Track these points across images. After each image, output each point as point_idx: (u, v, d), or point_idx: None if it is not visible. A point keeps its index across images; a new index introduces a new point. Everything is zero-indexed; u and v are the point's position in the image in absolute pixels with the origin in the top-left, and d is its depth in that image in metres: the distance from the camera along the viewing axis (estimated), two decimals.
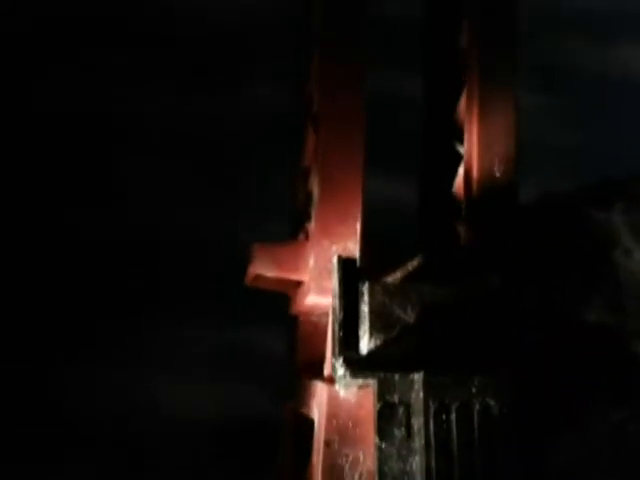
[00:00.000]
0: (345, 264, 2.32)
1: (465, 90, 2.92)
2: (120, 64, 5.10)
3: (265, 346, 3.39)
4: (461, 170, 2.83)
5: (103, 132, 4.89)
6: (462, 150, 2.84)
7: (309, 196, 2.81)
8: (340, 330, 2.21)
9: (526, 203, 5.63)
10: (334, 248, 2.56)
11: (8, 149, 4.58)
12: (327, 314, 2.52)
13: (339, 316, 2.21)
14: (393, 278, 2.61)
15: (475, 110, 2.86)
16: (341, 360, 2.18)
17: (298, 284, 2.71)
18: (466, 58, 3.03)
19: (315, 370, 2.60)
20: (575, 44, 6.04)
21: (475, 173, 2.79)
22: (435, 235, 3.02)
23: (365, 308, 2.21)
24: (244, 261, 4.48)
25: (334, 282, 2.29)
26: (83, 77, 5.06)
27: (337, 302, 2.25)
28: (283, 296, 3.08)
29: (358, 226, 2.61)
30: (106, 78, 5.09)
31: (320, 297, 2.53)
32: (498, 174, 2.78)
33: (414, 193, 3.28)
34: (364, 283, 2.21)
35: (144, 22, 5.23)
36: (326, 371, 2.40)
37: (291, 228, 3.00)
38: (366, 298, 2.20)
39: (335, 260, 2.34)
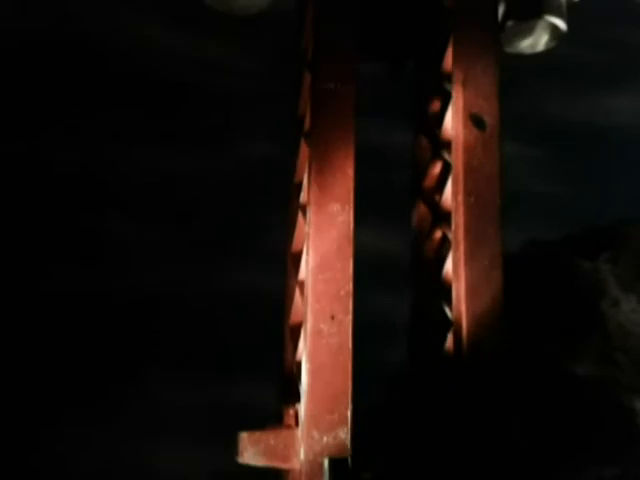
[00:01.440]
0: (336, 468, 2.21)
1: (451, 251, 2.88)
2: (109, 126, 5.14)
3: (263, 404, 3.38)
4: (450, 336, 2.76)
5: (97, 194, 4.90)
6: (450, 315, 2.81)
7: (299, 367, 2.67)
8: None
9: (512, 251, 5.70)
10: (325, 439, 2.36)
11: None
12: None
13: None
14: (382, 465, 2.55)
15: (462, 276, 2.79)
16: None
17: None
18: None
19: None
20: (560, 95, 6.12)
21: (464, 339, 2.72)
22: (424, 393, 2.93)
23: None
24: (238, 321, 4.46)
25: None
26: (73, 138, 5.11)
27: None
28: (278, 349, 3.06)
29: (349, 414, 2.43)
30: (96, 139, 5.13)
31: None
32: (485, 340, 2.72)
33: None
34: None
35: (133, 84, 5.30)
36: None
37: (280, 389, 2.93)
38: None
39: (326, 463, 2.24)
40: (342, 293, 2.49)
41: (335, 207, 2.64)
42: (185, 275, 4.47)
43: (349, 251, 2.64)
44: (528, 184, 5.91)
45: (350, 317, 2.48)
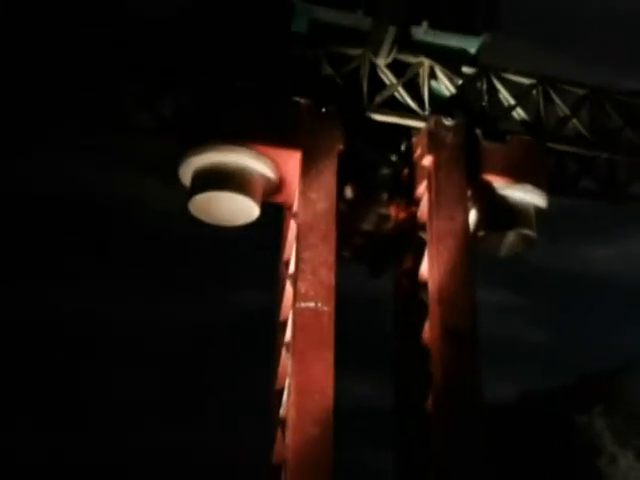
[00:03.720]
0: None
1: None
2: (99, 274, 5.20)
3: None
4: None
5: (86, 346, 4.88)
6: None
7: None
8: None
9: (506, 403, 5.87)
10: None
11: None
12: None
13: None
14: None
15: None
16: None
17: None
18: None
19: None
20: (544, 245, 6.24)
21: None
22: None
23: None
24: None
25: None
26: (62, 285, 5.16)
27: None
28: None
29: None
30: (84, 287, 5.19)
31: None
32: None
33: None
34: None
35: (129, 237, 5.38)
36: None
37: None
38: None
39: None
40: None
41: (315, 431, 2.69)
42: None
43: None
44: (518, 331, 5.98)
45: None
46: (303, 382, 3.01)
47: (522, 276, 6.15)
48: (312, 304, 3.36)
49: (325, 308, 3.40)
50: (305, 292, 3.44)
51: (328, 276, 3.50)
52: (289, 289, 3.66)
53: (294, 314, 3.45)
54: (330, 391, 2.98)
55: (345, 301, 3.44)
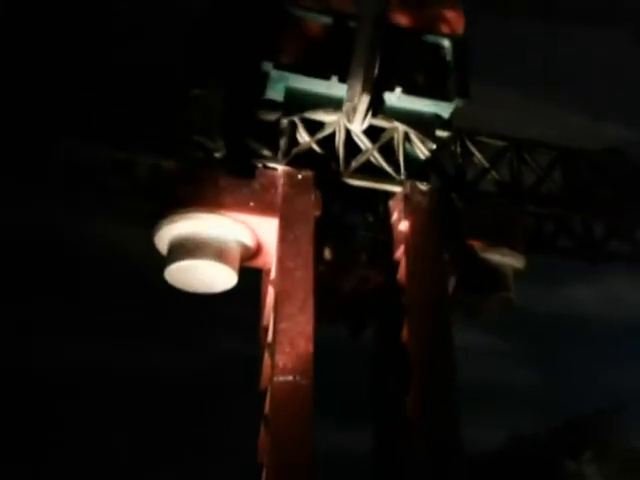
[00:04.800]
0: None
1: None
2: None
3: None
4: None
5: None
6: None
7: None
8: None
9: (494, 450, 5.81)
10: None
11: None
12: None
13: None
14: None
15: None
16: None
17: None
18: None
19: None
20: (530, 288, 6.30)
21: None
22: None
23: None
24: None
25: None
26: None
27: None
28: None
29: None
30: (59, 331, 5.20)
31: None
32: None
33: None
34: None
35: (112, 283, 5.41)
36: None
37: None
38: None
39: None
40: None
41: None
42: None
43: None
44: (503, 374, 5.97)
45: None
46: (280, 462, 2.99)
47: (506, 319, 6.14)
48: (290, 377, 3.34)
49: (303, 382, 3.38)
50: (283, 365, 3.42)
51: (306, 347, 3.49)
52: (267, 359, 3.64)
53: (272, 388, 3.43)
54: (307, 468, 2.98)
55: (325, 349, 3.44)
